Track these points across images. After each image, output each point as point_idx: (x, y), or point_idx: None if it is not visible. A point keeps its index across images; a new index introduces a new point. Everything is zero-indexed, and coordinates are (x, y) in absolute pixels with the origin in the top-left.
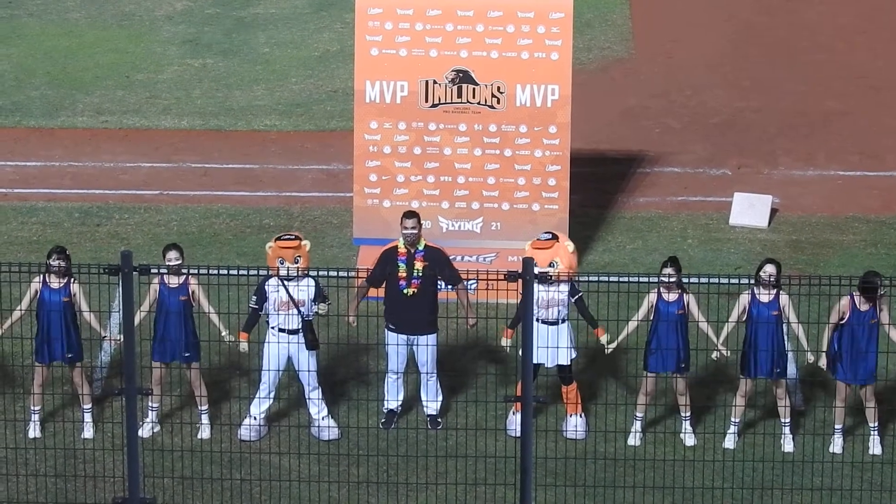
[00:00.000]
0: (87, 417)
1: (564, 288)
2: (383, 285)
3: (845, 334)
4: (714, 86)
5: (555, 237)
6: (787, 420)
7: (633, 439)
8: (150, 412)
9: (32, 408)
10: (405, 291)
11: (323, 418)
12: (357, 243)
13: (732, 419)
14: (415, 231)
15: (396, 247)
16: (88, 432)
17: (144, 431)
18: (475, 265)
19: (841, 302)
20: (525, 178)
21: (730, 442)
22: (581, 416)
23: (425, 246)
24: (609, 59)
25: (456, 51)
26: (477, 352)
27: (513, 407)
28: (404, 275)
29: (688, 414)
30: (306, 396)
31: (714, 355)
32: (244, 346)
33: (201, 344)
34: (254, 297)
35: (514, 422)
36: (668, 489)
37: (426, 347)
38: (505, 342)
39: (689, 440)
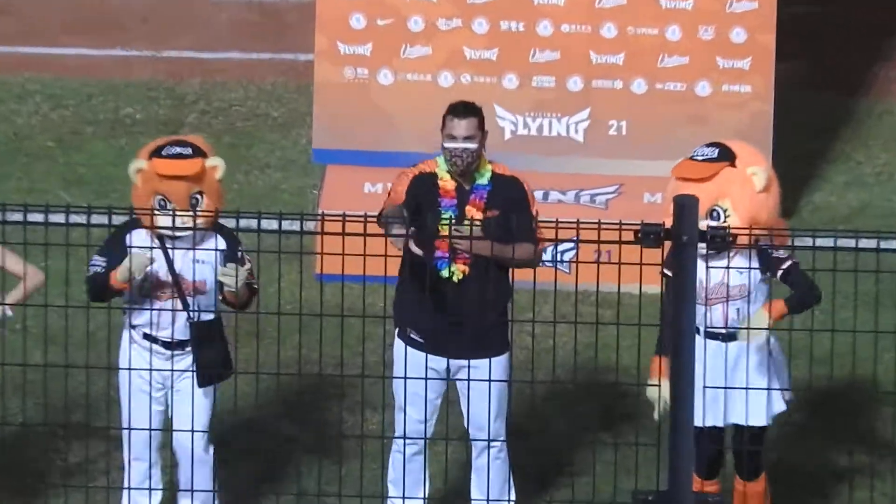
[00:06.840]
0: None
1: (745, 261)
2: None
3: None
4: None
5: (725, 154)
6: None
7: None
8: None
9: None
10: (444, 273)
11: None
12: (318, 161)
13: None
14: (472, 146)
15: (435, 174)
16: None
17: None
18: (574, 208)
19: None
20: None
21: None
22: None
23: (493, 175)
24: None
25: None
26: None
27: None
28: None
29: None
30: (185, 469)
31: None
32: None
33: None
34: (98, 258)
35: None
36: None
37: (488, 384)
38: (655, 393)
39: None
